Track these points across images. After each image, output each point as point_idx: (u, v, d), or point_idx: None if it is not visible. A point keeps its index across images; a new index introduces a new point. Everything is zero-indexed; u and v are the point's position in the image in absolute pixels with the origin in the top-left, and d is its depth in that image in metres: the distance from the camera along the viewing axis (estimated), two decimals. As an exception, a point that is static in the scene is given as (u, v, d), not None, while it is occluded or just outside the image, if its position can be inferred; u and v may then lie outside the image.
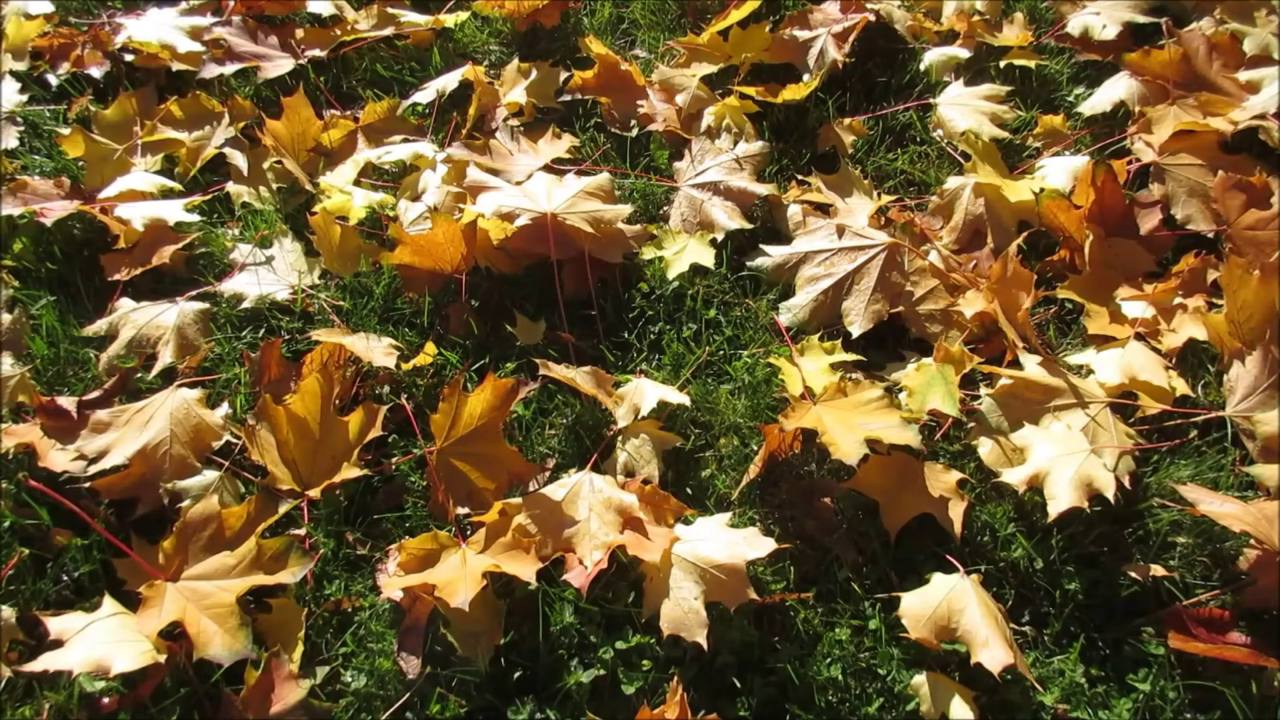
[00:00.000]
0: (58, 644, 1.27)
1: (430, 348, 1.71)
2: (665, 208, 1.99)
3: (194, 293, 1.83)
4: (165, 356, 1.71)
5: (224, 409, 1.61)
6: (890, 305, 1.72)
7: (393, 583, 1.37)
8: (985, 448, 1.50)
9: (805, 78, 2.15)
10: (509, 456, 1.49)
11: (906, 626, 1.32)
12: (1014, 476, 1.42)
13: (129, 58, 2.32)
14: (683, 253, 1.84)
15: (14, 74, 2.30)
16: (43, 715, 1.30)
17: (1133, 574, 1.42)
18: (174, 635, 1.31)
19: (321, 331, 1.69)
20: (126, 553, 1.40)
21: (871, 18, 2.18)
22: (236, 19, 2.34)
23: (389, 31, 2.36)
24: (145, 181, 1.98)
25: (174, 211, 1.90)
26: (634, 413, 1.55)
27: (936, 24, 2.31)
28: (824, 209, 1.90)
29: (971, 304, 1.70)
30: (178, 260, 1.90)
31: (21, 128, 2.19)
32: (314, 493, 1.49)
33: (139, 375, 1.71)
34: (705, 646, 1.29)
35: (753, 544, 1.36)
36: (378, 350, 1.64)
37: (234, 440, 1.58)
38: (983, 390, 1.57)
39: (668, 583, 1.35)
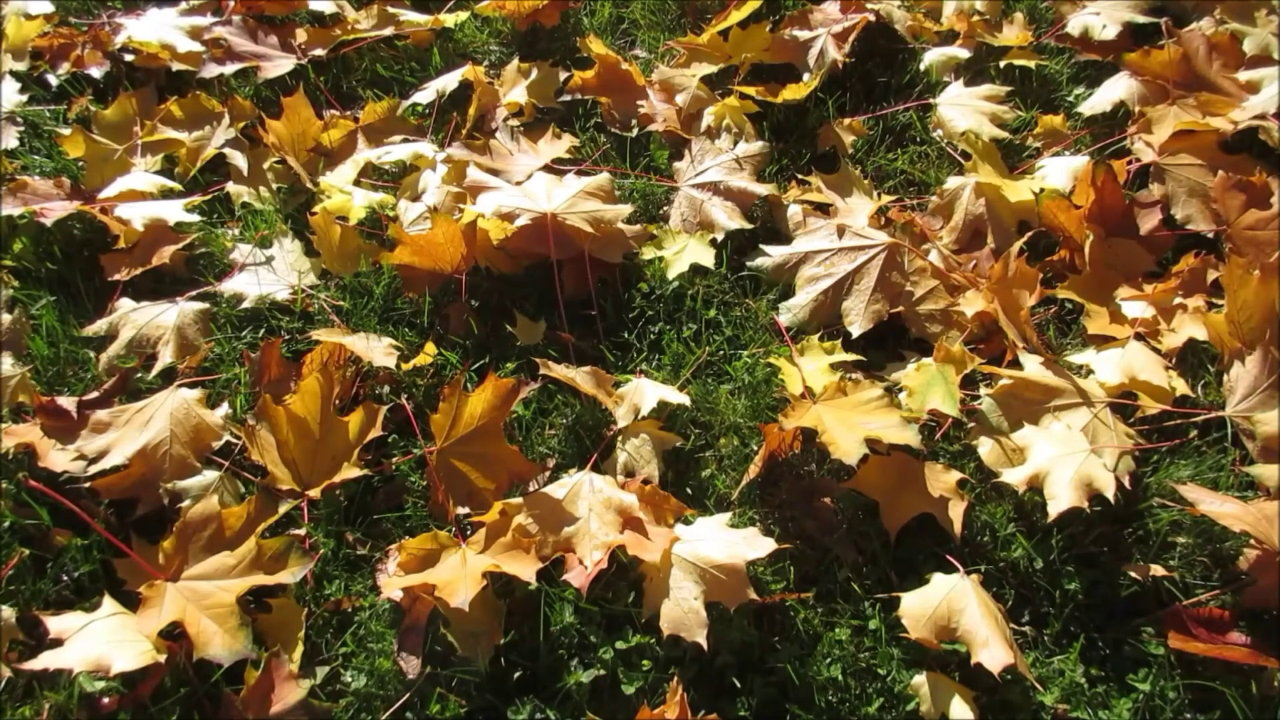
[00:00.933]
0: (58, 643, 1.27)
1: (430, 348, 1.71)
2: (665, 208, 1.99)
3: (194, 293, 1.83)
4: (165, 356, 1.71)
5: (224, 409, 1.61)
6: (890, 305, 1.72)
7: (393, 583, 1.37)
8: (985, 448, 1.49)
9: (805, 78, 2.15)
10: (509, 456, 1.49)
11: (906, 626, 1.32)
12: (1014, 476, 1.42)
13: (129, 58, 2.32)
14: (683, 253, 1.84)
15: (14, 74, 2.30)
16: (43, 715, 1.30)
17: (1133, 574, 1.42)
18: (174, 635, 1.31)
19: (321, 331, 1.69)
20: (126, 553, 1.39)
21: (871, 18, 2.18)
22: (236, 19, 2.34)
23: (389, 31, 2.36)
24: (145, 181, 1.98)
25: (174, 211, 1.90)
26: (634, 413, 1.55)
27: (936, 24, 2.31)
28: (824, 209, 1.90)
29: (972, 304, 1.70)
30: (178, 260, 1.90)
31: (21, 128, 2.19)
32: (314, 493, 1.49)
33: (139, 375, 1.71)
34: (705, 646, 1.29)
35: (753, 544, 1.36)
36: (378, 350, 1.64)
37: (234, 440, 1.58)
38: (983, 390, 1.57)
39: (668, 583, 1.35)
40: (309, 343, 1.75)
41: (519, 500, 1.44)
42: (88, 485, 1.50)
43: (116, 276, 1.85)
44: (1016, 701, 1.32)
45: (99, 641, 1.26)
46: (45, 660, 1.23)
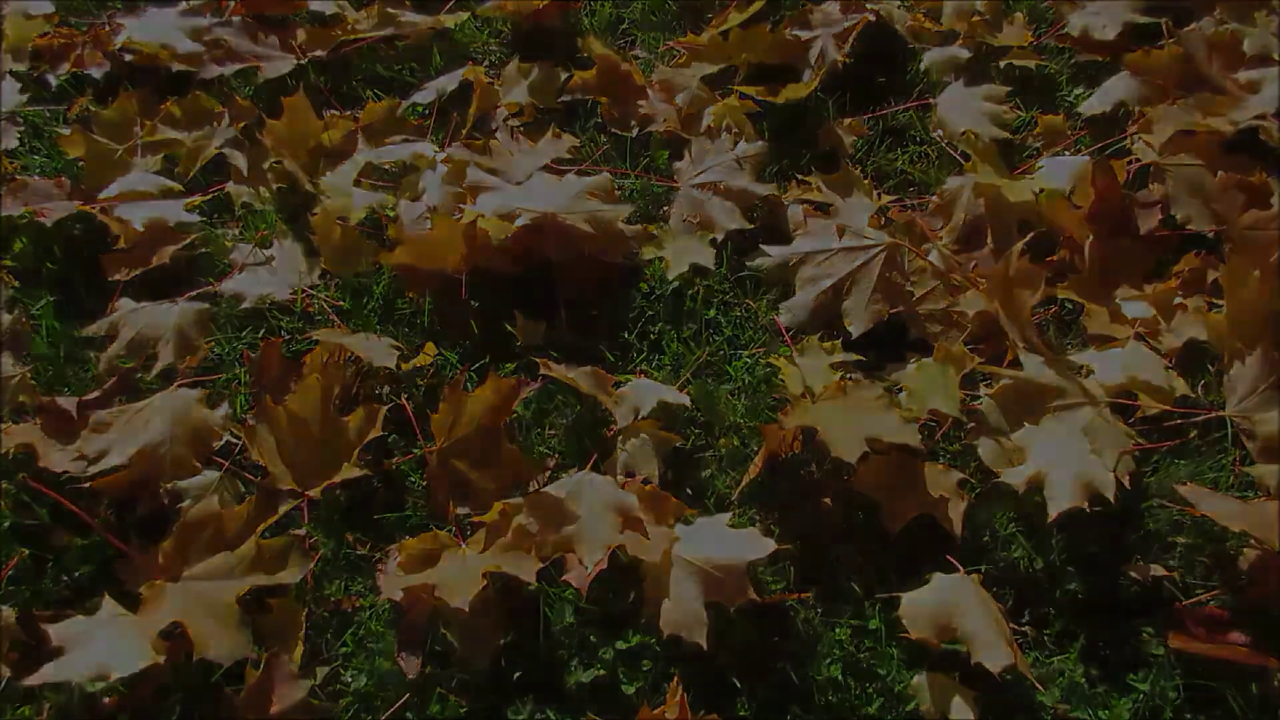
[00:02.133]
0: (59, 651, 1.26)
1: (430, 348, 1.71)
2: (665, 208, 1.98)
3: (194, 293, 1.83)
4: (165, 356, 1.71)
5: (224, 409, 1.61)
6: (890, 305, 1.72)
7: (393, 583, 1.37)
8: (985, 448, 1.49)
9: (805, 78, 2.15)
10: (510, 456, 1.49)
11: (906, 626, 1.32)
12: (1014, 476, 1.42)
13: (129, 58, 2.32)
14: (683, 253, 1.84)
15: (14, 74, 2.30)
16: (43, 716, 1.30)
17: (1133, 574, 1.42)
18: (174, 635, 1.31)
19: (322, 331, 1.69)
20: (126, 553, 1.40)
21: (871, 18, 2.18)
22: (236, 19, 2.33)
23: (389, 31, 2.36)
24: (145, 182, 1.98)
25: (174, 211, 1.90)
26: (634, 413, 1.55)
27: (936, 24, 2.31)
28: (824, 209, 1.90)
29: (972, 304, 1.70)
30: (178, 260, 1.89)
31: (21, 128, 2.19)
32: (314, 493, 1.49)
33: (139, 375, 1.71)
34: (705, 646, 1.29)
35: (753, 544, 1.36)
36: (378, 350, 1.64)
37: (234, 440, 1.58)
38: (983, 390, 1.57)
39: (668, 583, 1.35)
40: (309, 343, 1.75)
41: (519, 500, 1.44)
42: (88, 485, 1.50)
43: (116, 276, 1.85)
44: (1016, 701, 1.32)
45: (99, 648, 1.26)
46: (46, 674, 1.23)
